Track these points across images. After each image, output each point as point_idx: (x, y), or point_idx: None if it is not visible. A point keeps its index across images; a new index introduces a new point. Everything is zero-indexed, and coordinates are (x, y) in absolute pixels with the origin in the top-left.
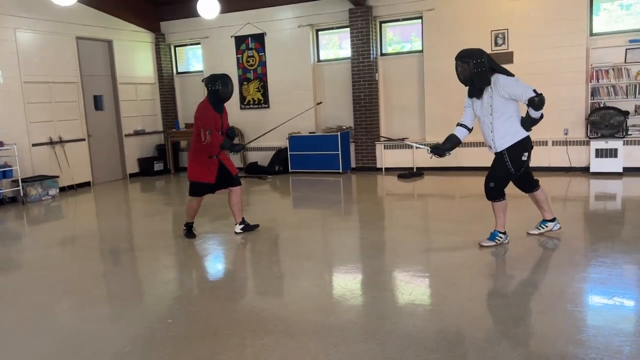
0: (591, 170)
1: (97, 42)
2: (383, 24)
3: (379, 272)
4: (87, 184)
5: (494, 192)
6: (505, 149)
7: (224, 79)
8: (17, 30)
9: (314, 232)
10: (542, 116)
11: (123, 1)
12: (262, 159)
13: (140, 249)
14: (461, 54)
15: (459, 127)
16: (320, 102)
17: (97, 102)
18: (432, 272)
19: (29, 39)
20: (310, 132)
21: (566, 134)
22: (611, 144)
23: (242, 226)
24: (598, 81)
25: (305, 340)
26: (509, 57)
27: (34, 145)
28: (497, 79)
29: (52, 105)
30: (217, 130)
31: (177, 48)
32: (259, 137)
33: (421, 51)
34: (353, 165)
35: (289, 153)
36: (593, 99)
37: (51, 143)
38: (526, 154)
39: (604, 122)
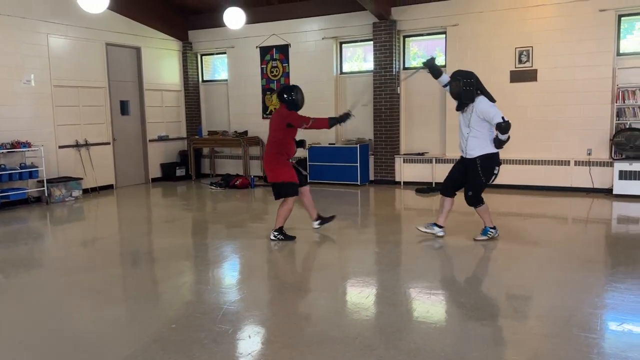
0: (614, 192)
1: (126, 49)
2: (407, 38)
3: (388, 287)
4: (110, 186)
5: (473, 200)
6: (478, 158)
7: (298, 88)
8: (50, 36)
9: (328, 243)
10: (508, 138)
11: (152, 10)
12: None
13: (158, 253)
14: (455, 73)
15: (446, 75)
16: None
17: (124, 107)
18: (441, 290)
19: (60, 44)
20: (330, 144)
21: (589, 154)
22: (635, 166)
23: (319, 221)
24: (624, 102)
25: (305, 352)
26: (532, 74)
27: (60, 147)
28: (479, 100)
29: (79, 108)
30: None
31: (203, 57)
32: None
33: (445, 66)
34: (371, 177)
35: (308, 163)
36: (618, 120)
37: (77, 146)
38: (497, 168)
39: (629, 143)
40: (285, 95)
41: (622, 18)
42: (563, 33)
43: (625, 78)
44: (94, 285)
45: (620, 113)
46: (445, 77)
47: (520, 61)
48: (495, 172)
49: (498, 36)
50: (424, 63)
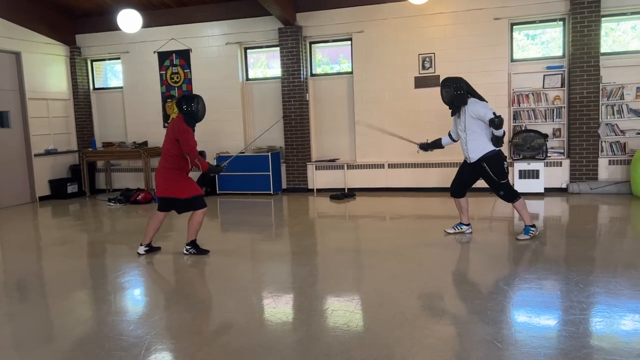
0: None
1: (3, 54)
2: (313, 45)
3: (313, 299)
4: None
5: (508, 196)
6: (483, 161)
7: (199, 98)
8: None
9: (244, 257)
10: (504, 133)
11: (34, 11)
12: None
13: (52, 282)
14: (445, 80)
15: (446, 136)
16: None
17: (3, 119)
18: (358, 296)
19: None
20: (240, 152)
21: None
22: (533, 165)
23: (147, 248)
24: (519, 105)
25: None
26: (435, 80)
27: None
28: (470, 101)
29: None
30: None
31: (94, 62)
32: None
33: (351, 72)
34: (284, 186)
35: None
36: (515, 122)
37: None
38: (505, 163)
39: (526, 144)
40: (184, 106)
41: (515, 26)
42: (462, 40)
43: (519, 83)
44: None
45: (516, 116)
46: (446, 139)
47: (423, 67)
48: (505, 166)
49: (402, 43)
50: (424, 149)
